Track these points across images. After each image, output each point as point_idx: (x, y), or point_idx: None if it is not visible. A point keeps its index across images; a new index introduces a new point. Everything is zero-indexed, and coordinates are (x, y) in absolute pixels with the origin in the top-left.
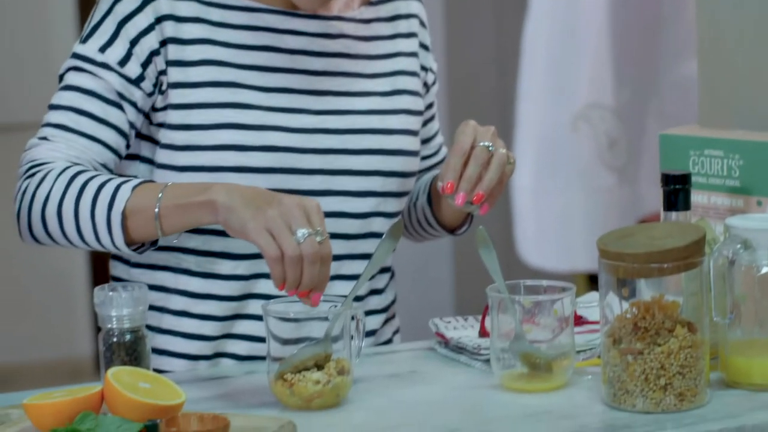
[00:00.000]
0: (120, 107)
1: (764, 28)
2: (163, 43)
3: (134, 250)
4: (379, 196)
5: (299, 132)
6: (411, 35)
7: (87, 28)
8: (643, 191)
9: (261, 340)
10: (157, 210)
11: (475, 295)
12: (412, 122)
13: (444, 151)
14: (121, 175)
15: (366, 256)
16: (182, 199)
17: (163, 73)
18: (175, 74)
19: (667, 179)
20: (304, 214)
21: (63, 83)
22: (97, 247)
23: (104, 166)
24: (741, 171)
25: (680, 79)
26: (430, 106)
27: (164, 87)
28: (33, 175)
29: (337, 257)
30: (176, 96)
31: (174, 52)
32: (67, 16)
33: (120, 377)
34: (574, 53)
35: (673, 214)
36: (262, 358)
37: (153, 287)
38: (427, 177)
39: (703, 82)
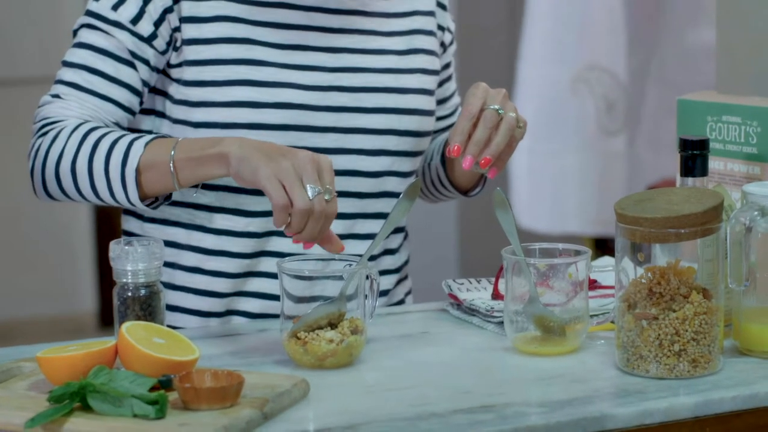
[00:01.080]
0: (132, 66)
1: None
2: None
3: (148, 205)
4: (393, 155)
5: (313, 89)
6: None
7: None
8: (641, 156)
9: (273, 297)
10: (171, 163)
11: (479, 256)
12: (428, 82)
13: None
14: (133, 130)
15: (379, 216)
16: (195, 152)
17: (177, 30)
18: (190, 30)
19: (685, 144)
20: (316, 170)
21: (76, 40)
22: (112, 203)
23: (117, 124)
24: (758, 138)
25: (685, 45)
26: (446, 66)
27: (179, 44)
28: (46, 133)
29: (350, 215)
30: (191, 52)
31: (188, 8)
32: None
33: (134, 332)
34: (580, 14)
35: (690, 180)
36: (275, 316)
37: (165, 243)
38: (442, 138)
39: (721, 48)
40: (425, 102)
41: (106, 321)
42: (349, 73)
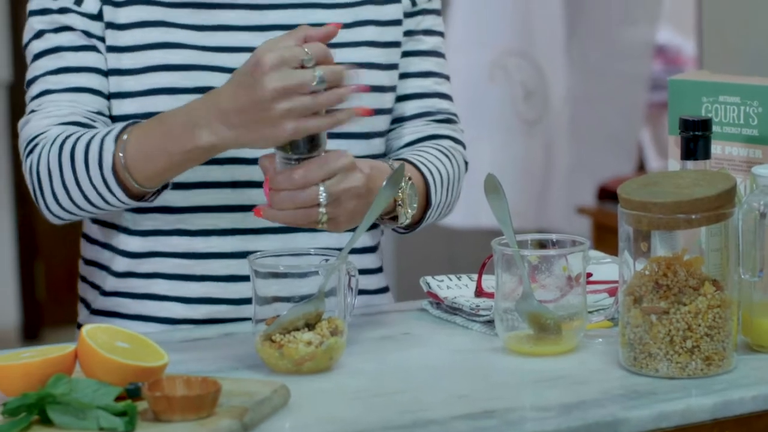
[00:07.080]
0: (92, 48)
1: None
2: None
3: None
4: (337, 137)
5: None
6: None
7: None
8: (559, 146)
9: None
10: (123, 162)
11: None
12: (378, 54)
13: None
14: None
15: None
16: (166, 147)
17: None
18: (108, 14)
19: (686, 125)
20: (276, 70)
21: (31, 55)
22: (111, 209)
23: (100, 113)
24: (760, 119)
25: (616, 40)
26: (410, 32)
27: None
28: (32, 150)
29: None
30: (108, 38)
31: None
32: None
33: (96, 335)
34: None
35: (690, 163)
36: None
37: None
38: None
39: (707, 27)
40: (373, 76)
41: (28, 335)
42: None
